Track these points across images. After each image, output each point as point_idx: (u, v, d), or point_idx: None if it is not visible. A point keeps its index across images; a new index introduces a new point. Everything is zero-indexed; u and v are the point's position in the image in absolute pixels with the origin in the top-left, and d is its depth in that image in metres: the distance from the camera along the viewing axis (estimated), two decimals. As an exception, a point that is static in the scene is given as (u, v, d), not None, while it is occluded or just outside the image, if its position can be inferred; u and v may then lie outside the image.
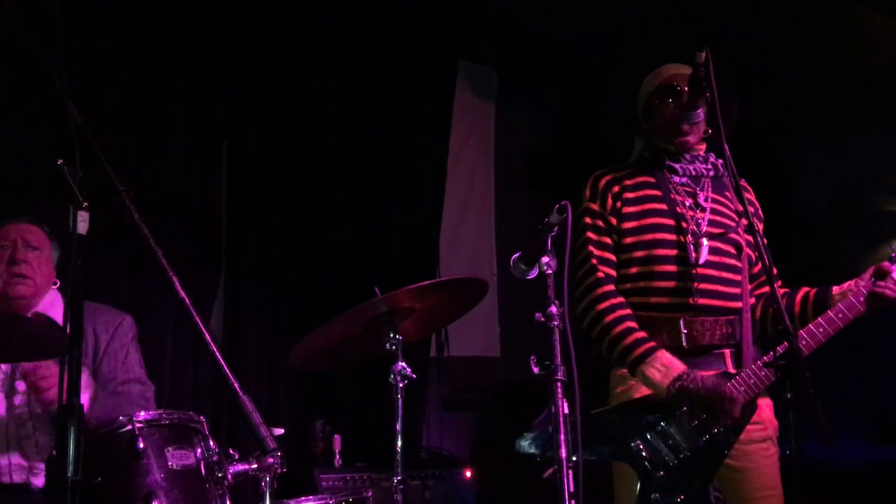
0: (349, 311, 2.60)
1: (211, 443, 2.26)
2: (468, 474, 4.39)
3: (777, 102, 6.12)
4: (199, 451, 2.23)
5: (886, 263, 2.57)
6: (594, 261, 2.60)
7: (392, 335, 2.64)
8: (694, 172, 2.67)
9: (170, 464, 2.18)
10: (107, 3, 3.95)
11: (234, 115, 4.46)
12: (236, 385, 1.78)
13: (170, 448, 2.19)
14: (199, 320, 1.80)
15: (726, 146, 2.41)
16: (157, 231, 1.87)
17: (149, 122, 4.11)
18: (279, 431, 2.26)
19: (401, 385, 2.59)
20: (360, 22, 4.82)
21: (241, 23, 4.43)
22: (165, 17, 4.16)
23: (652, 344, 2.48)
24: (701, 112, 2.60)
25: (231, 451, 2.25)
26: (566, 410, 2.04)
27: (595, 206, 2.66)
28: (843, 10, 5.12)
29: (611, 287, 2.57)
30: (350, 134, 4.85)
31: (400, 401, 2.58)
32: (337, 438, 4.25)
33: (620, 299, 2.56)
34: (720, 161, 2.66)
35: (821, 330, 2.49)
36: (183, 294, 1.79)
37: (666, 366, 2.43)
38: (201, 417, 2.31)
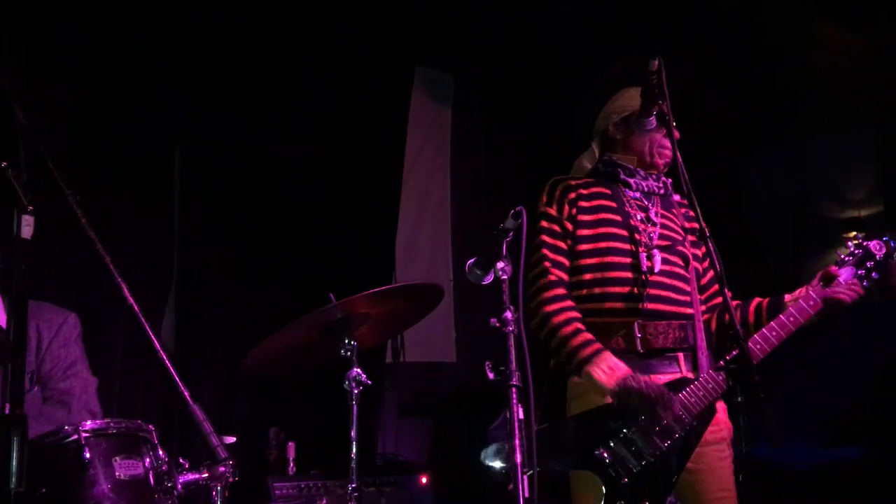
0: (304, 317, 2.58)
1: (160, 452, 2.21)
2: (424, 480, 4.37)
3: (730, 110, 6.23)
4: (148, 460, 2.18)
5: (833, 268, 2.64)
6: (547, 263, 2.64)
7: (347, 341, 2.63)
8: (646, 189, 2.76)
9: (117, 474, 2.12)
10: (58, 7, 3.87)
11: (187, 121, 4.40)
12: (186, 393, 1.75)
13: (117, 458, 2.13)
14: (147, 327, 1.76)
15: (678, 154, 2.45)
16: (106, 236, 1.83)
17: (99, 127, 4.03)
18: (231, 440, 2.22)
19: (356, 391, 2.57)
20: (315, 27, 4.79)
21: (193, 29, 4.37)
22: (117, 21, 4.09)
23: (599, 346, 2.52)
24: (653, 119, 2.64)
25: (181, 461, 2.21)
26: (521, 416, 2.04)
27: (552, 211, 2.70)
28: (795, 20, 5.23)
29: (562, 290, 2.61)
30: (305, 140, 4.82)
31: (355, 407, 2.56)
32: (291, 446, 4.20)
33: (570, 302, 2.60)
34: (670, 180, 2.78)
35: (774, 334, 2.54)
36: (132, 300, 1.75)
37: (612, 367, 2.48)
38: (150, 426, 2.26)
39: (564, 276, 2.65)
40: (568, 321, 2.56)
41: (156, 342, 1.78)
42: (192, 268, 4.37)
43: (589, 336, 2.54)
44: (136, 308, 1.76)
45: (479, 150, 6.00)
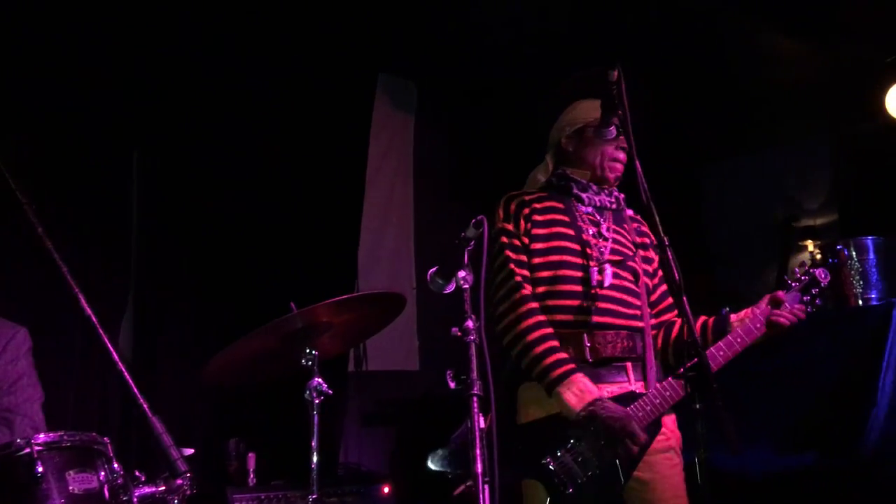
0: (264, 327, 2.55)
1: (115, 465, 2.16)
2: (386, 490, 4.36)
3: (690, 120, 6.33)
4: (103, 473, 2.14)
5: (781, 293, 2.71)
6: (518, 278, 2.66)
7: (308, 350, 2.61)
8: (599, 203, 2.80)
9: (71, 488, 2.08)
10: (14, 8, 3.80)
11: (146, 126, 4.34)
12: (145, 405, 1.72)
13: (71, 472, 2.09)
14: (105, 338, 1.73)
15: (638, 164, 2.47)
16: (62, 245, 1.80)
17: (53, 131, 3.96)
18: (189, 452, 2.19)
19: (317, 401, 2.55)
20: (276, 33, 4.76)
21: (153, 31, 4.32)
22: (71, 22, 4.02)
23: (571, 366, 2.54)
24: (613, 129, 2.67)
25: (137, 474, 2.17)
26: (482, 425, 2.04)
27: (509, 227, 2.73)
28: (753, 33, 5.33)
29: (535, 304, 2.63)
30: (265, 146, 4.78)
31: (316, 417, 2.54)
32: (251, 457, 4.17)
33: (543, 317, 2.62)
34: (622, 196, 2.82)
35: (721, 353, 2.60)
36: (89, 311, 1.72)
37: (582, 391, 2.49)
38: (105, 439, 2.22)
39: (531, 290, 2.66)
40: (542, 338, 2.57)
41: (113, 352, 1.75)
42: (151, 276, 4.31)
43: (561, 355, 2.55)
44: (93, 318, 1.73)
45: (441, 158, 6.01)
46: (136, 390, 1.74)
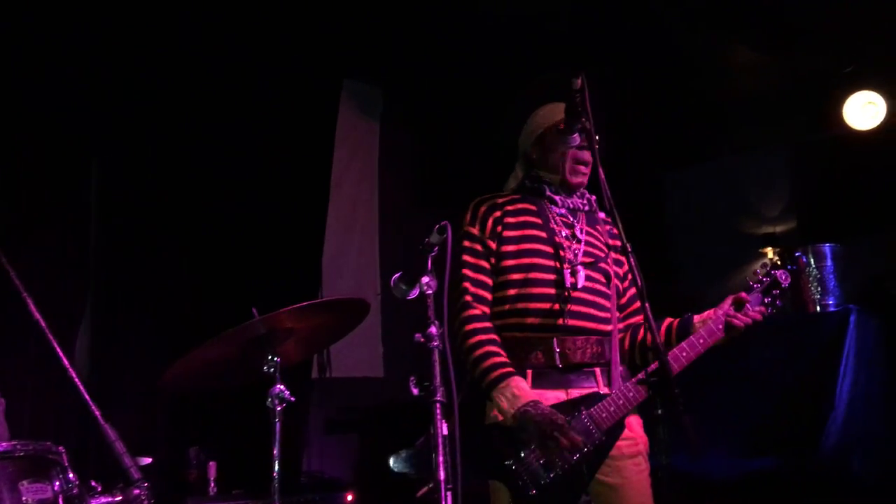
0: (226, 333, 2.51)
1: (70, 475, 2.12)
2: (350, 498, 4.32)
3: (652, 128, 6.39)
4: (57, 484, 2.09)
5: (744, 294, 2.73)
6: (466, 283, 2.66)
7: (270, 357, 2.58)
8: (572, 205, 2.80)
9: (24, 498, 2.03)
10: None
11: (105, 132, 4.27)
12: (97, 412, 1.69)
13: (24, 482, 2.04)
14: (55, 343, 1.70)
15: (601, 171, 2.49)
16: (16, 251, 1.76)
17: (11, 139, 3.88)
18: (146, 461, 2.15)
19: (279, 409, 2.52)
20: (239, 39, 4.72)
21: (113, 37, 4.25)
22: (29, 28, 3.94)
23: (506, 370, 2.54)
24: (577, 136, 2.68)
25: (94, 483, 2.12)
26: (445, 431, 2.04)
27: (474, 231, 2.72)
28: (716, 43, 5.41)
29: (478, 310, 2.63)
30: (229, 151, 4.73)
31: (278, 425, 2.51)
32: (212, 465, 4.10)
33: (486, 323, 2.62)
34: (594, 197, 2.82)
35: (683, 354, 2.61)
36: (38, 316, 1.69)
37: (515, 395, 2.49)
38: (60, 448, 2.17)
39: (485, 295, 2.66)
40: (480, 343, 2.57)
41: (64, 359, 1.72)
42: (109, 282, 4.24)
43: (499, 359, 2.55)
44: (42, 323, 1.69)
45: (407, 164, 6.00)
46: (87, 397, 1.71)
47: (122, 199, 4.34)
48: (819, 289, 4.29)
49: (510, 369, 2.53)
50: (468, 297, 2.63)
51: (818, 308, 4.30)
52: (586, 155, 2.74)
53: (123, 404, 4.16)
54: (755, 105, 6.49)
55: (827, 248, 4.36)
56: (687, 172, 7.79)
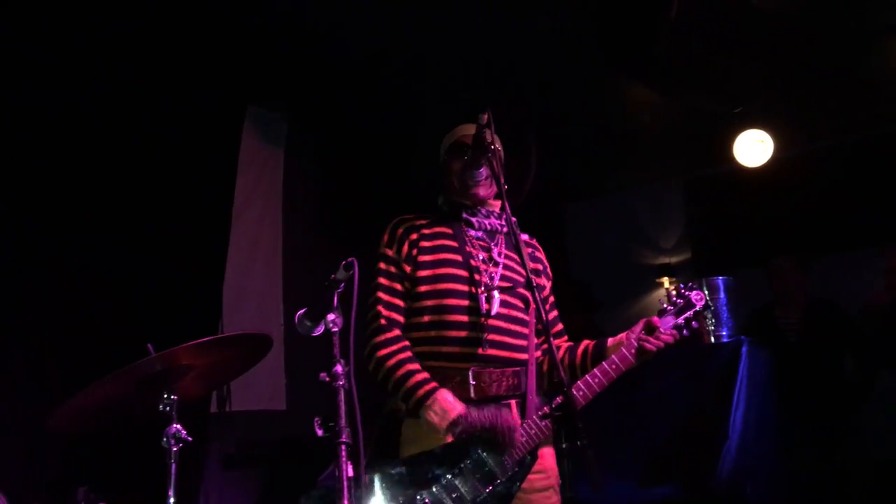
0: (118, 370, 2.41)
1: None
2: (250, 537, 4.19)
3: (553, 161, 6.53)
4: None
5: (656, 318, 2.74)
6: (380, 307, 2.64)
7: (167, 396, 2.48)
8: (489, 227, 2.79)
9: None
10: None
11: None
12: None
13: None
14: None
15: (507, 203, 2.52)
16: None
17: None
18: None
19: (175, 449, 2.42)
20: (138, 62, 4.56)
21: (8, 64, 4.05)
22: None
23: (432, 385, 2.52)
24: (484, 171, 2.70)
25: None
26: (350, 473, 1.99)
27: (390, 252, 2.70)
28: (609, 79, 5.58)
29: (393, 333, 2.61)
30: (126, 178, 4.55)
31: (173, 466, 2.42)
32: (103, 507, 3.90)
33: (403, 343, 2.60)
34: (514, 219, 2.77)
35: (596, 381, 2.63)
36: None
37: (444, 409, 2.48)
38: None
39: (399, 318, 2.64)
40: (400, 363, 2.55)
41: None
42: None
43: (421, 377, 2.54)
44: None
45: (312, 192, 5.92)
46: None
47: (4, 223, 4.11)
48: (713, 321, 4.44)
49: (434, 384, 2.52)
50: (382, 321, 2.60)
51: (712, 339, 4.44)
52: (476, 173, 2.70)
53: (4, 442, 3.92)
54: (651, 141, 6.73)
55: (720, 280, 4.51)
56: (585, 204, 8.01)
